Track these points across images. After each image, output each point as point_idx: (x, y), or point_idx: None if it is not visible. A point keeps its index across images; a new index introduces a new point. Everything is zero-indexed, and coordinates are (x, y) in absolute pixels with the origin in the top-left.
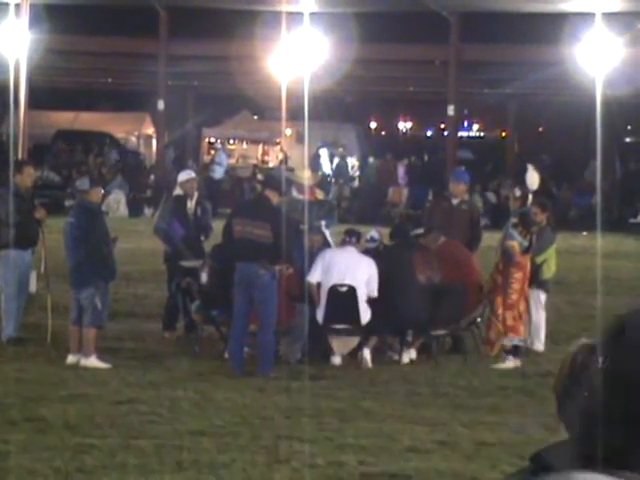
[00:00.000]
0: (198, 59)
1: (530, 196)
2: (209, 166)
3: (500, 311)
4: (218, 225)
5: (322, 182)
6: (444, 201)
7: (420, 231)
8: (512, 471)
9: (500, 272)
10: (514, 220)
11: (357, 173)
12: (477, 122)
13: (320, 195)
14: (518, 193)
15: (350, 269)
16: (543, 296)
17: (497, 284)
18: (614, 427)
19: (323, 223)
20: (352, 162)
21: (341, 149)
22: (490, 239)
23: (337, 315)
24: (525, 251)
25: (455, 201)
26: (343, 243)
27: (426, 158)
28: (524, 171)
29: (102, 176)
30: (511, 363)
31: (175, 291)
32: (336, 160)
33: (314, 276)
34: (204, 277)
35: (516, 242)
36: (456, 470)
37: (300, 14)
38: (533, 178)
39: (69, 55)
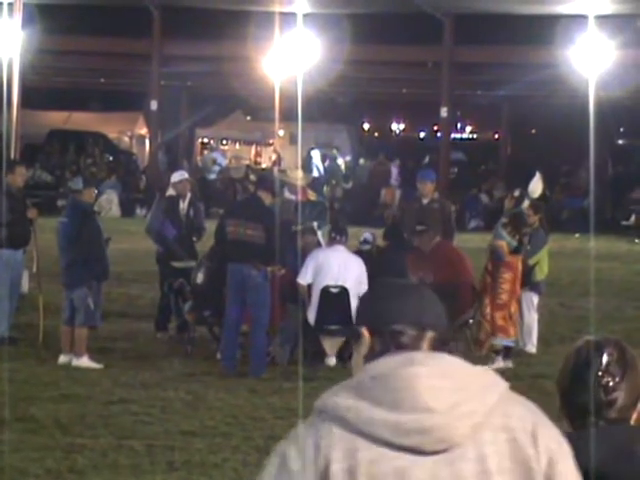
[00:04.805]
0: (191, 59)
1: (526, 199)
2: (209, 168)
3: (488, 310)
4: (211, 226)
5: (314, 183)
6: (415, 201)
7: (422, 227)
8: None
9: (489, 272)
10: (504, 220)
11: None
12: (470, 124)
13: (312, 196)
14: (516, 194)
15: (342, 270)
16: (535, 298)
17: (486, 284)
18: None
19: (315, 224)
20: (341, 163)
21: (334, 150)
22: (482, 241)
23: (329, 316)
24: (514, 251)
25: (425, 200)
26: (332, 242)
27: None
28: (530, 177)
29: (94, 176)
30: (500, 364)
31: (167, 292)
32: (328, 161)
33: (305, 277)
34: (200, 277)
35: (504, 242)
36: None
37: (294, 15)
38: (537, 186)
39: (62, 55)
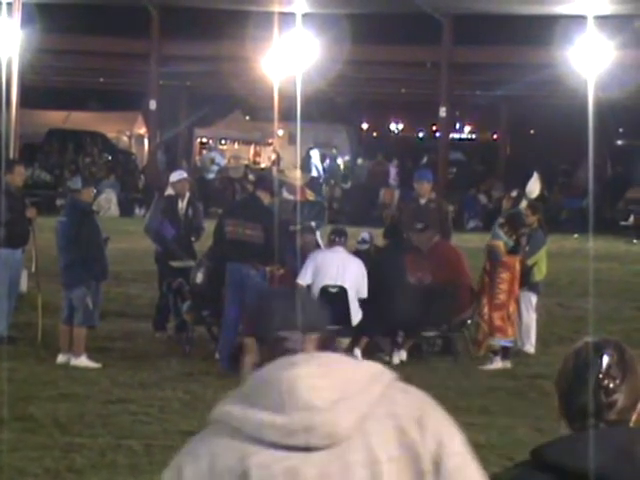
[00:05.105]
0: (190, 59)
1: (524, 199)
2: (208, 167)
3: (486, 311)
4: (209, 225)
5: (313, 183)
6: (412, 201)
7: (421, 226)
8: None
9: (487, 273)
10: (501, 220)
11: (341, 173)
12: (469, 124)
13: (311, 196)
14: (514, 194)
15: (340, 270)
16: (534, 298)
17: (484, 285)
18: None
19: (313, 224)
20: (340, 163)
21: (334, 150)
22: (481, 241)
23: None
24: (512, 251)
25: (422, 200)
26: (332, 243)
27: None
28: (528, 177)
29: (93, 175)
30: (499, 364)
31: (166, 291)
32: (328, 161)
33: (305, 278)
34: (200, 277)
35: (501, 242)
36: None
37: (292, 15)
38: (535, 186)
39: (61, 54)
